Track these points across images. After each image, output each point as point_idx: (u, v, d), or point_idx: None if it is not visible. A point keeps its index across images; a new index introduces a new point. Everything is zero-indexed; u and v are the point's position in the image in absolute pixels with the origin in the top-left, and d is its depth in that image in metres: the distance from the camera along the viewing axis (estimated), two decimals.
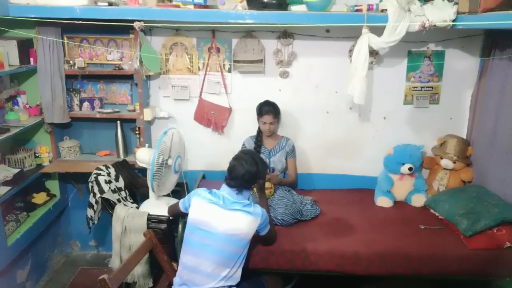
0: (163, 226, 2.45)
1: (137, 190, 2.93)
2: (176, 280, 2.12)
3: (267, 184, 2.75)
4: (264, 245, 2.35)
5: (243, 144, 2.96)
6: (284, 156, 2.94)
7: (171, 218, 2.45)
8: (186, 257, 2.08)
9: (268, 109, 2.82)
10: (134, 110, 3.03)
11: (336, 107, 3.08)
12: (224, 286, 2.03)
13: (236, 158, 2.16)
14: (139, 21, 2.55)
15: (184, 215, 2.27)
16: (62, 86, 2.87)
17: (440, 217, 2.70)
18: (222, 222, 2.04)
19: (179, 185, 2.83)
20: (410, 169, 2.88)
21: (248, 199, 2.16)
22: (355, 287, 2.66)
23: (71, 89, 3.05)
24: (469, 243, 2.39)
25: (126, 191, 2.79)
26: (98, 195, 2.57)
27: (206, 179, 3.10)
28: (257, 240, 2.28)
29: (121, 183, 2.76)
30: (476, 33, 2.90)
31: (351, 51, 2.89)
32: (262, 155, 2.87)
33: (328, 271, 2.38)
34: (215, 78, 3.05)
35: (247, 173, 2.10)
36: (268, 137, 2.94)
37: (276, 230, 2.44)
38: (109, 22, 2.49)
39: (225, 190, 2.14)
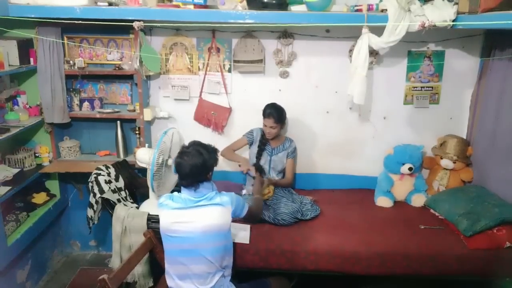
0: None
1: (137, 190, 2.93)
2: None
3: (267, 189, 2.75)
4: (251, 222, 2.35)
5: (251, 131, 2.94)
6: (286, 156, 2.93)
7: None
8: (173, 268, 2.04)
9: (269, 112, 2.79)
10: (134, 110, 3.03)
11: (336, 107, 3.08)
12: (221, 278, 2.02)
13: (178, 156, 2.05)
14: (139, 21, 2.55)
15: None
16: (62, 86, 2.87)
17: (440, 217, 2.70)
18: (193, 222, 1.98)
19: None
20: (410, 169, 2.89)
21: (212, 189, 2.08)
22: (355, 287, 2.66)
23: (71, 89, 3.05)
24: (469, 243, 2.39)
25: (126, 191, 2.79)
26: (98, 195, 2.57)
27: None
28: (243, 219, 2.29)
29: (121, 183, 2.76)
30: (476, 33, 2.90)
31: (351, 51, 2.89)
32: (265, 152, 2.87)
33: (328, 271, 2.38)
34: (215, 78, 3.05)
35: (193, 167, 1.98)
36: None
37: (276, 230, 2.44)
38: (109, 22, 2.50)
39: (184, 192, 2.05)
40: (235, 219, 2.18)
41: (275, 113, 2.79)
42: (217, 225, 1.99)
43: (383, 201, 2.91)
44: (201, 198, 2.02)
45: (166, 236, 2.04)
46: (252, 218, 2.30)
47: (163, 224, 2.03)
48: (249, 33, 2.95)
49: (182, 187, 2.07)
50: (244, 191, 2.94)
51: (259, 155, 2.88)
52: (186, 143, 2.15)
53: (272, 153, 2.92)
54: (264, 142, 2.90)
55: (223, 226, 2.01)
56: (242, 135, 2.98)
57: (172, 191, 2.75)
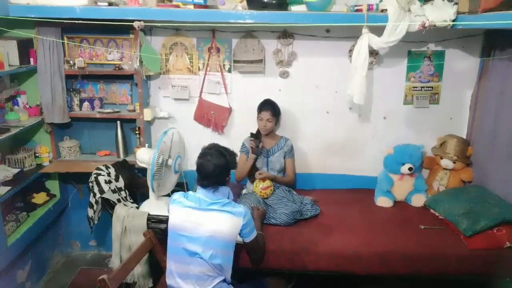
0: (163, 226, 2.45)
1: (137, 190, 2.93)
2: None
3: (267, 183, 2.75)
4: (251, 258, 2.28)
5: (243, 145, 2.95)
6: (283, 156, 2.92)
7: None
8: (176, 266, 2.03)
9: (267, 107, 2.82)
10: (134, 110, 3.03)
11: (336, 107, 3.08)
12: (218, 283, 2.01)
13: (201, 156, 2.04)
14: (139, 20, 2.55)
15: None
16: (62, 86, 2.87)
17: (440, 217, 2.70)
18: (201, 224, 1.96)
19: (179, 185, 2.83)
20: (410, 169, 2.88)
21: (228, 197, 2.07)
22: (355, 287, 2.66)
23: (71, 89, 3.05)
24: (469, 243, 2.39)
25: (126, 191, 2.79)
26: (98, 195, 2.57)
27: None
28: (245, 251, 2.24)
29: (121, 183, 2.76)
30: (476, 33, 2.90)
31: (351, 51, 2.89)
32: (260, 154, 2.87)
33: (328, 271, 2.38)
34: (215, 78, 3.05)
35: (217, 168, 1.99)
36: (267, 137, 2.93)
37: (276, 230, 2.43)
38: (109, 22, 2.50)
39: (201, 192, 2.03)
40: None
41: (271, 106, 2.82)
42: (223, 233, 1.97)
43: (383, 201, 2.91)
44: (215, 201, 2.00)
45: (173, 233, 2.03)
46: (253, 252, 2.24)
47: (174, 221, 2.02)
48: (249, 33, 2.95)
49: (199, 187, 2.06)
50: (244, 191, 2.94)
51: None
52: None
53: (268, 154, 2.91)
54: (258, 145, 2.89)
55: (228, 236, 1.98)
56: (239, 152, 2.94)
57: (172, 191, 2.76)
